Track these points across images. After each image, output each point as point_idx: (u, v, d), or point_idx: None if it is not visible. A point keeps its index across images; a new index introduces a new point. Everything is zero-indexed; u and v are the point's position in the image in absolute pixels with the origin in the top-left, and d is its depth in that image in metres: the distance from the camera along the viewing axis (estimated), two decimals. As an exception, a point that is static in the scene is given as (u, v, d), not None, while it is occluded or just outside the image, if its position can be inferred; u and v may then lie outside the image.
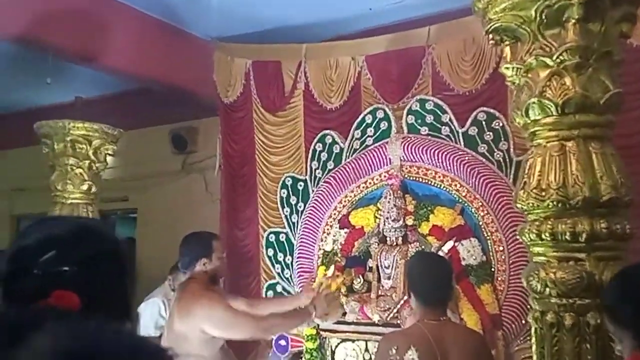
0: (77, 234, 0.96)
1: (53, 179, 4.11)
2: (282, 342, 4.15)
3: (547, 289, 2.11)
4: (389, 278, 3.78)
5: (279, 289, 4.60)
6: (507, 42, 2.30)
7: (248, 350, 4.13)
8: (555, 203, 2.10)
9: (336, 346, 3.80)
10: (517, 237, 2.56)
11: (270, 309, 3.01)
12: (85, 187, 4.10)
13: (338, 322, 3.76)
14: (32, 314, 0.54)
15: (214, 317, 2.64)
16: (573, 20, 2.08)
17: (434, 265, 2.41)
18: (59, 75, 4.57)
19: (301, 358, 4.00)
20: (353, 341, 3.75)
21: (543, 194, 2.13)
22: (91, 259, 0.94)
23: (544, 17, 2.12)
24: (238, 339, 2.84)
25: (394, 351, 2.21)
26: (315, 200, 4.35)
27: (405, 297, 3.45)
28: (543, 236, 2.13)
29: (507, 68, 2.32)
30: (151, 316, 4.00)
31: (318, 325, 3.81)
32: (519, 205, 2.25)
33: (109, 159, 4.45)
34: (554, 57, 2.12)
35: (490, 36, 2.31)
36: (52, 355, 0.45)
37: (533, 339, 2.22)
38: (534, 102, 2.18)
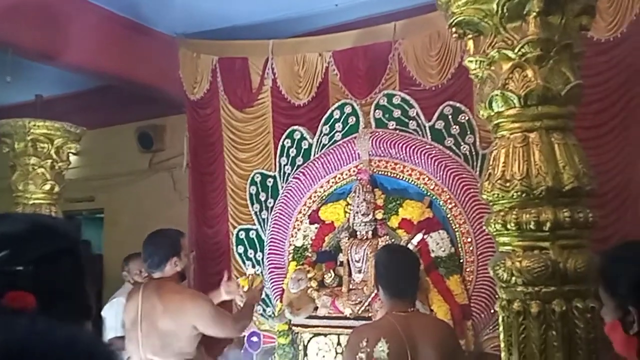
0: (32, 232, 0.92)
1: (14, 179, 4.00)
2: (254, 339, 4.14)
3: (513, 278, 2.15)
4: (359, 272, 3.80)
5: (249, 286, 4.57)
6: (470, 36, 2.32)
7: (218, 347, 4.10)
8: (519, 193, 2.14)
9: (308, 341, 3.81)
10: (484, 228, 2.59)
11: None
12: (47, 187, 3.99)
13: (310, 317, 3.78)
14: None
15: (205, 314, 2.68)
16: (534, 14, 2.12)
17: (400, 257, 2.42)
18: (19, 74, 4.45)
19: (273, 354, 3.99)
20: (325, 335, 3.76)
21: (507, 184, 2.16)
22: (47, 257, 0.90)
23: (505, 10, 2.15)
24: (219, 337, 2.89)
25: (364, 343, 2.22)
26: (285, 196, 4.35)
27: (375, 291, 3.48)
28: (508, 226, 2.16)
29: (471, 61, 2.35)
30: (116, 316, 3.93)
31: (290, 320, 3.82)
32: (484, 196, 2.28)
33: (73, 158, 4.35)
34: (516, 50, 2.16)
35: (454, 30, 2.33)
36: None
37: (500, 328, 2.26)
38: (497, 95, 2.21)
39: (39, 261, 0.89)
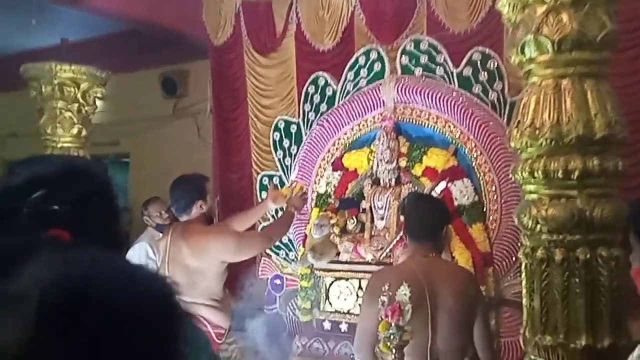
0: (66, 173, 0.93)
1: (42, 123, 4.05)
2: (277, 282, 4.24)
3: (538, 226, 2.15)
4: (382, 219, 3.83)
5: (273, 231, 4.65)
6: (504, -22, 2.25)
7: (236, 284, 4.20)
8: (548, 141, 2.11)
9: (330, 284, 3.89)
10: (510, 177, 2.58)
11: (245, 222, 3.25)
12: (75, 130, 4.05)
13: (332, 262, 3.84)
14: (26, 243, 0.53)
15: (230, 244, 2.85)
16: (572, -46, 2.03)
17: (425, 204, 2.45)
18: (44, 17, 4.45)
19: (296, 296, 4.09)
20: (347, 279, 3.83)
21: (537, 132, 2.14)
22: (81, 197, 0.92)
23: (542, -50, 2.06)
24: (250, 257, 3.16)
25: (386, 287, 2.26)
26: (308, 143, 4.34)
27: (398, 237, 3.51)
28: (536, 174, 2.15)
29: (504, 5, 2.28)
30: (139, 259, 4.07)
31: (312, 264, 3.89)
32: (512, 144, 2.26)
33: (98, 102, 4.38)
34: (552, -7, 2.08)
35: (487, -29, 2.25)
36: (47, 283, 0.44)
37: (523, 274, 2.28)
38: (529, 40, 2.15)
39: (74, 201, 0.91)
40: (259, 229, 3.99)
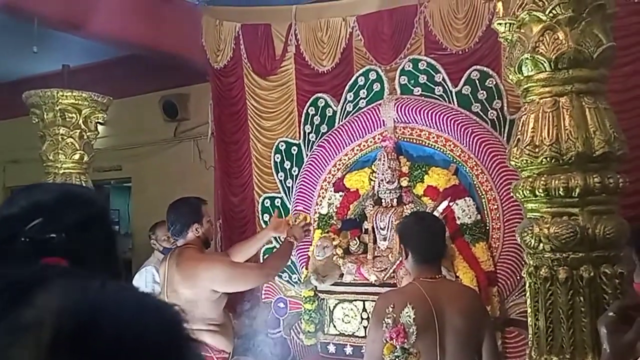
0: (63, 200, 0.94)
1: (44, 149, 4.06)
2: (281, 305, 4.22)
3: (541, 244, 2.13)
4: (384, 239, 3.82)
5: (275, 253, 4.63)
6: (499, -3, 2.26)
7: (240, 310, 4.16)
8: (548, 159, 2.11)
9: (334, 307, 3.86)
10: (511, 195, 2.57)
11: (246, 251, 3.15)
12: (77, 156, 4.06)
13: (335, 284, 3.82)
14: (36, 272, 0.54)
15: (220, 275, 2.73)
16: (566, -27, 2.05)
17: (428, 224, 2.43)
18: (46, 44, 4.49)
19: (300, 319, 4.06)
20: (351, 301, 3.81)
21: (536, 150, 2.13)
22: (79, 224, 0.93)
23: (536, -30, 2.08)
24: (247, 289, 2.94)
25: (390, 309, 2.24)
26: (310, 164, 4.35)
27: (401, 258, 3.49)
28: (537, 192, 2.14)
29: (500, 24, 2.29)
30: (146, 285, 4.04)
31: (316, 287, 3.86)
32: (512, 163, 2.25)
33: (100, 127, 4.40)
34: (547, 12, 2.10)
35: (483, -9, 2.27)
36: (61, 311, 0.46)
37: (527, 294, 2.25)
38: (527, 58, 2.16)
39: (71, 228, 0.91)
40: (262, 252, 3.96)
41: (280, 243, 3.03)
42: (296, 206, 4.41)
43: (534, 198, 2.18)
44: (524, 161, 2.18)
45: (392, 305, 2.25)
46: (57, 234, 0.89)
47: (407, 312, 2.23)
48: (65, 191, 1.00)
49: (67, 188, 1.05)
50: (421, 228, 2.36)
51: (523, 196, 2.22)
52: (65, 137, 4.04)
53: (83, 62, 5.49)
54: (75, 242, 0.90)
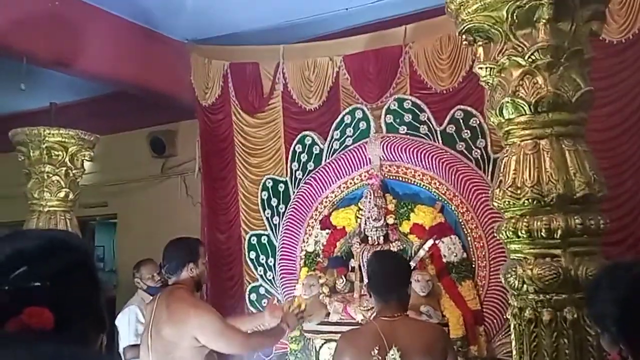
0: (46, 248, 0.94)
1: (29, 187, 4.04)
2: (266, 345, 4.15)
3: (525, 286, 2.14)
4: (371, 277, 3.80)
5: (262, 291, 4.59)
6: (480, 43, 2.32)
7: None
8: (530, 201, 2.13)
9: (320, 347, 3.81)
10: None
11: (235, 324, 3.02)
12: (62, 194, 4.04)
13: (322, 323, 3.78)
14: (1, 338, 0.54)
15: (209, 326, 2.64)
16: (543, 20, 2.11)
17: (387, 263, 2.41)
18: (33, 81, 4.50)
19: (286, 360, 4.00)
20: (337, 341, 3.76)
21: (518, 192, 2.16)
22: (62, 272, 0.92)
23: (515, 17, 2.14)
24: (224, 352, 2.83)
25: (375, 351, 2.21)
26: (296, 201, 4.36)
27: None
28: (519, 233, 2.16)
29: (481, 68, 2.34)
30: (129, 324, 3.96)
31: (302, 326, 3.82)
32: (495, 204, 2.27)
33: (86, 164, 4.40)
34: (526, 57, 2.15)
35: (464, 37, 2.33)
36: None
37: (512, 335, 2.25)
38: (507, 102, 2.20)
39: (55, 276, 0.91)
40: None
41: (274, 327, 2.95)
42: (283, 243, 4.39)
43: (516, 239, 2.19)
44: (507, 202, 2.20)
45: (377, 347, 2.23)
46: (41, 283, 0.89)
47: (392, 354, 2.21)
48: (49, 238, 1.00)
49: (51, 235, 1.05)
50: (378, 268, 2.35)
51: (506, 237, 2.23)
52: (51, 175, 4.03)
53: (71, 99, 5.51)
54: (59, 290, 0.90)
